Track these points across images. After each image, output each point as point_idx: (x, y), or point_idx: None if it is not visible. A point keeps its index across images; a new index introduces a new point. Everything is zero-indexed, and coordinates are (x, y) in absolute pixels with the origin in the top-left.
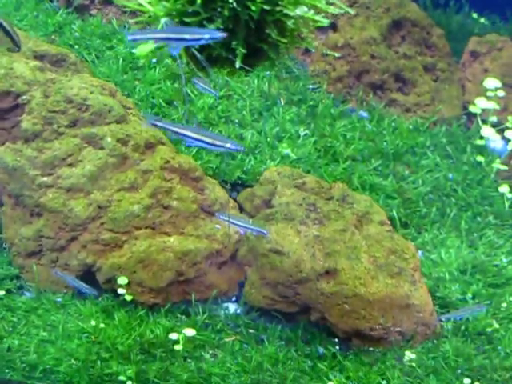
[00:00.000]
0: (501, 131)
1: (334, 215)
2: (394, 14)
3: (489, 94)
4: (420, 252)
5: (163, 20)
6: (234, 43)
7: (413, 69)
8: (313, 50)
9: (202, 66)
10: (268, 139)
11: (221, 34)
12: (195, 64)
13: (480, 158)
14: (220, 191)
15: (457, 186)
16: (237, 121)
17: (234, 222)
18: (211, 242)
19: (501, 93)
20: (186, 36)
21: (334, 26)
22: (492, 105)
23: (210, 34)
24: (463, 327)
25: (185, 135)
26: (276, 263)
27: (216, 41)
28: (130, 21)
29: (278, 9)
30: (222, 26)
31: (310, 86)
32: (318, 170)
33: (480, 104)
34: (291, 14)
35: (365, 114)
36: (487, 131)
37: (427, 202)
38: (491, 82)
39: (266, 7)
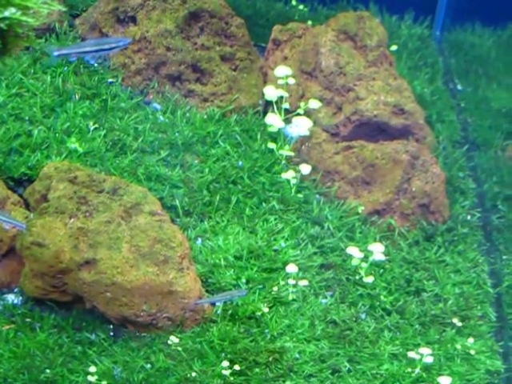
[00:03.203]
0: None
1: (103, 207)
2: (191, 6)
3: (280, 81)
4: (200, 240)
5: None
6: None
7: (209, 59)
8: (36, 48)
9: None
10: (57, 135)
11: (129, 40)
12: None
13: (272, 145)
14: None
15: (244, 174)
16: (27, 118)
17: None
18: None
19: (291, 80)
20: (105, 46)
21: (134, 20)
22: (280, 92)
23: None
24: (232, 311)
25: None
26: (37, 255)
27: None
28: None
29: None
30: None
31: (109, 80)
32: (106, 163)
33: (268, 92)
34: (0, 16)
35: (158, 106)
36: (271, 118)
37: (212, 190)
38: (281, 70)
39: None
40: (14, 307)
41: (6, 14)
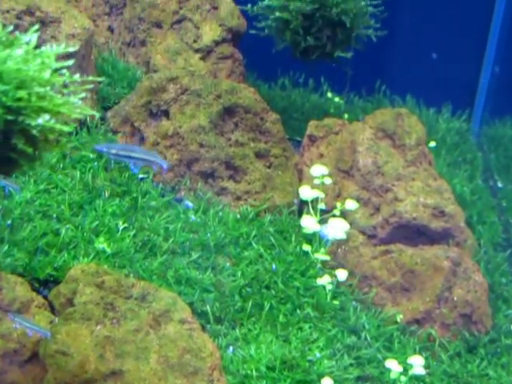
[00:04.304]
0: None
1: (131, 315)
2: (226, 101)
3: (315, 181)
4: (231, 348)
5: None
6: None
7: (243, 156)
8: (67, 152)
9: None
10: (85, 234)
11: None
12: None
13: (307, 248)
14: (22, 290)
15: (277, 278)
16: (55, 215)
17: (21, 322)
18: (7, 341)
19: (328, 180)
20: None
21: (167, 114)
22: (315, 193)
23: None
24: None
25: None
26: (61, 363)
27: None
28: None
29: (21, 118)
30: None
31: (140, 176)
32: (134, 265)
33: (304, 192)
34: (33, 123)
35: (190, 205)
36: (306, 221)
37: (244, 295)
38: (317, 170)
39: (9, 117)
40: None
41: (40, 121)
